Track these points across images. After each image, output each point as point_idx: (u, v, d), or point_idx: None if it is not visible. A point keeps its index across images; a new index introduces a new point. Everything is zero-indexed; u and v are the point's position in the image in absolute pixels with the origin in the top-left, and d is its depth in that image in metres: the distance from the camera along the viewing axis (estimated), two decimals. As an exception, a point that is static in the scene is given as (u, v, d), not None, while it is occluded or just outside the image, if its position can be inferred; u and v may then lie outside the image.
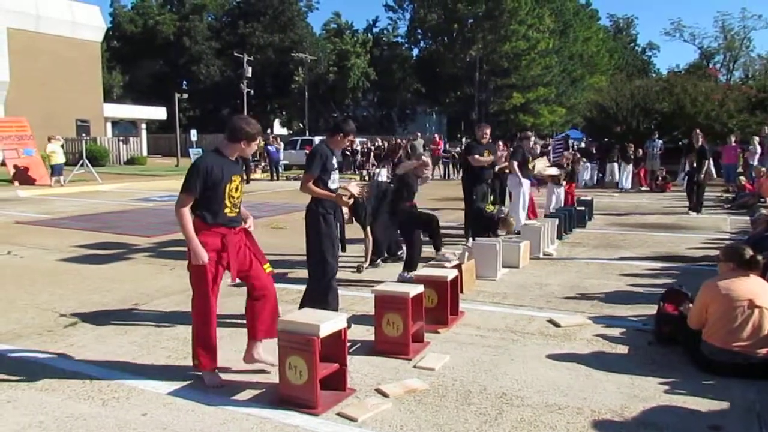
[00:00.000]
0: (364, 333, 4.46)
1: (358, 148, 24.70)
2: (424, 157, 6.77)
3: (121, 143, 31.49)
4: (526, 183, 9.15)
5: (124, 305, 5.38)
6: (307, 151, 5.15)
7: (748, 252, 3.93)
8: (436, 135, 29.37)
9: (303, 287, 4.78)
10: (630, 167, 18.01)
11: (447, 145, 26.46)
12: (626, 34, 64.94)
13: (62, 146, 18.07)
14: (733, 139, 17.35)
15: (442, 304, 4.63)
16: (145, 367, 3.88)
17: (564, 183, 10.80)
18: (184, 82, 51.54)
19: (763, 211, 7.61)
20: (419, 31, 47.49)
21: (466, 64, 43.19)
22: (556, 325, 4.74)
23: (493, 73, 43.62)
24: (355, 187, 4.82)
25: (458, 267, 5.43)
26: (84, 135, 20.21)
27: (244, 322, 3.84)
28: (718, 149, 18.39)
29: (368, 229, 6.86)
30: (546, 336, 4.50)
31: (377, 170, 19.24)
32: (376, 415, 3.20)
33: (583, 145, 22.45)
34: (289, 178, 22.05)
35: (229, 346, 4.11)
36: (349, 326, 3.74)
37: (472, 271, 5.95)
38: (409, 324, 4.01)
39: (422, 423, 3.12)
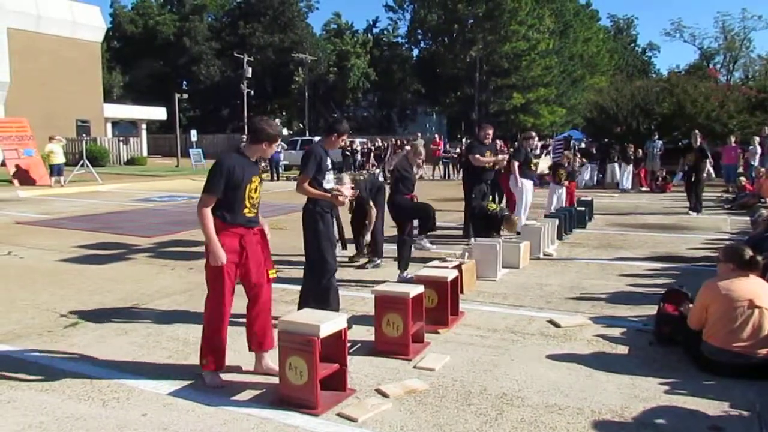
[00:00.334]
0: (364, 333, 4.46)
1: (358, 148, 24.70)
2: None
3: (121, 143, 31.50)
4: (528, 183, 9.15)
5: (125, 305, 5.38)
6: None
7: (748, 252, 3.93)
8: (436, 135, 29.36)
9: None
10: (630, 168, 18.02)
11: (447, 146, 26.46)
12: (626, 34, 64.93)
13: (63, 146, 18.08)
14: (733, 140, 17.35)
15: (442, 304, 4.63)
16: (145, 367, 3.88)
17: (565, 182, 10.80)
18: (184, 83, 51.61)
19: (764, 211, 7.60)
20: (419, 31, 47.46)
21: (466, 64, 43.16)
22: (557, 325, 4.74)
23: (493, 73, 43.59)
24: (347, 189, 4.83)
25: (458, 267, 5.43)
26: (84, 135, 20.23)
27: (244, 321, 3.84)
28: (718, 150, 18.39)
29: (372, 214, 6.95)
30: (546, 336, 4.50)
31: (377, 171, 19.26)
32: (376, 415, 3.20)
33: (583, 145, 22.45)
34: (289, 179, 22.05)
35: (229, 346, 4.10)
36: (349, 326, 3.74)
37: (472, 271, 5.95)
38: (409, 324, 4.01)
39: (422, 423, 3.12)
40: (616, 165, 18.49)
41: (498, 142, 13.09)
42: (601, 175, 19.66)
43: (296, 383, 3.22)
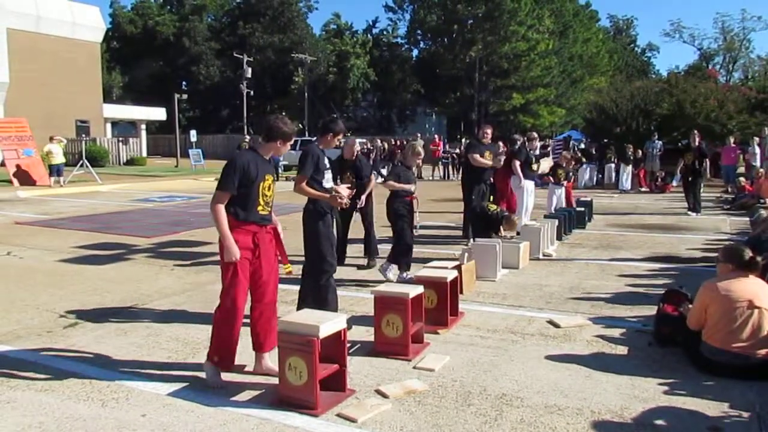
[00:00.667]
0: (363, 334, 4.46)
1: (358, 148, 24.65)
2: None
3: (120, 144, 31.50)
4: (529, 184, 9.15)
5: (124, 306, 5.38)
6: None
7: (748, 253, 3.93)
8: (435, 136, 29.38)
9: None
10: (630, 168, 18.03)
11: (447, 146, 26.46)
12: (626, 35, 64.98)
13: (64, 147, 18.07)
14: (732, 140, 17.36)
15: (441, 304, 4.63)
16: (145, 367, 3.88)
17: (564, 182, 10.81)
18: (184, 83, 51.59)
19: (763, 212, 7.62)
20: (419, 32, 47.45)
21: (465, 65, 43.17)
22: (556, 326, 4.74)
23: (492, 73, 43.60)
24: (344, 189, 4.83)
25: (458, 268, 5.43)
26: (84, 135, 20.24)
27: (248, 321, 3.83)
28: (717, 150, 18.39)
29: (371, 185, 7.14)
30: (546, 337, 4.50)
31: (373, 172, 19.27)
32: (375, 416, 3.20)
33: (583, 146, 22.46)
34: (289, 179, 22.04)
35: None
36: (349, 327, 3.74)
37: (472, 271, 5.95)
38: (409, 325, 4.01)
39: (422, 424, 3.12)
40: (613, 166, 18.51)
41: (499, 143, 13.09)
42: (600, 176, 19.68)
43: (296, 384, 3.22)
